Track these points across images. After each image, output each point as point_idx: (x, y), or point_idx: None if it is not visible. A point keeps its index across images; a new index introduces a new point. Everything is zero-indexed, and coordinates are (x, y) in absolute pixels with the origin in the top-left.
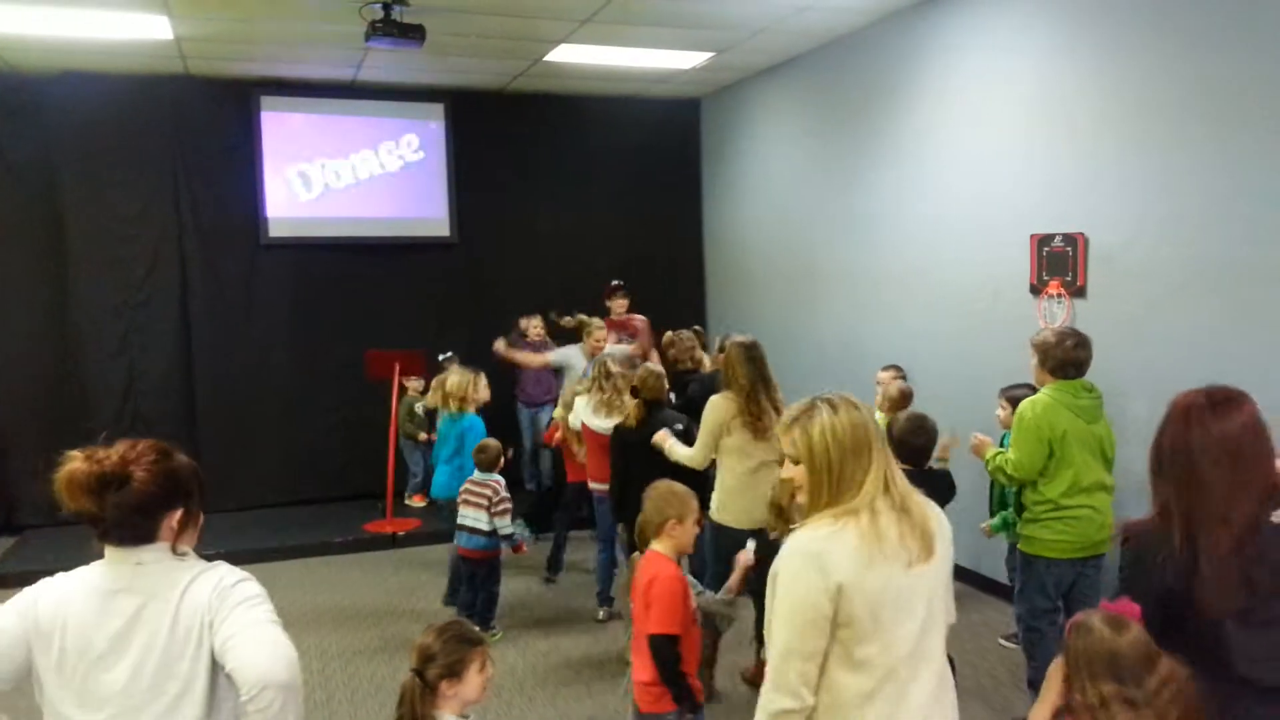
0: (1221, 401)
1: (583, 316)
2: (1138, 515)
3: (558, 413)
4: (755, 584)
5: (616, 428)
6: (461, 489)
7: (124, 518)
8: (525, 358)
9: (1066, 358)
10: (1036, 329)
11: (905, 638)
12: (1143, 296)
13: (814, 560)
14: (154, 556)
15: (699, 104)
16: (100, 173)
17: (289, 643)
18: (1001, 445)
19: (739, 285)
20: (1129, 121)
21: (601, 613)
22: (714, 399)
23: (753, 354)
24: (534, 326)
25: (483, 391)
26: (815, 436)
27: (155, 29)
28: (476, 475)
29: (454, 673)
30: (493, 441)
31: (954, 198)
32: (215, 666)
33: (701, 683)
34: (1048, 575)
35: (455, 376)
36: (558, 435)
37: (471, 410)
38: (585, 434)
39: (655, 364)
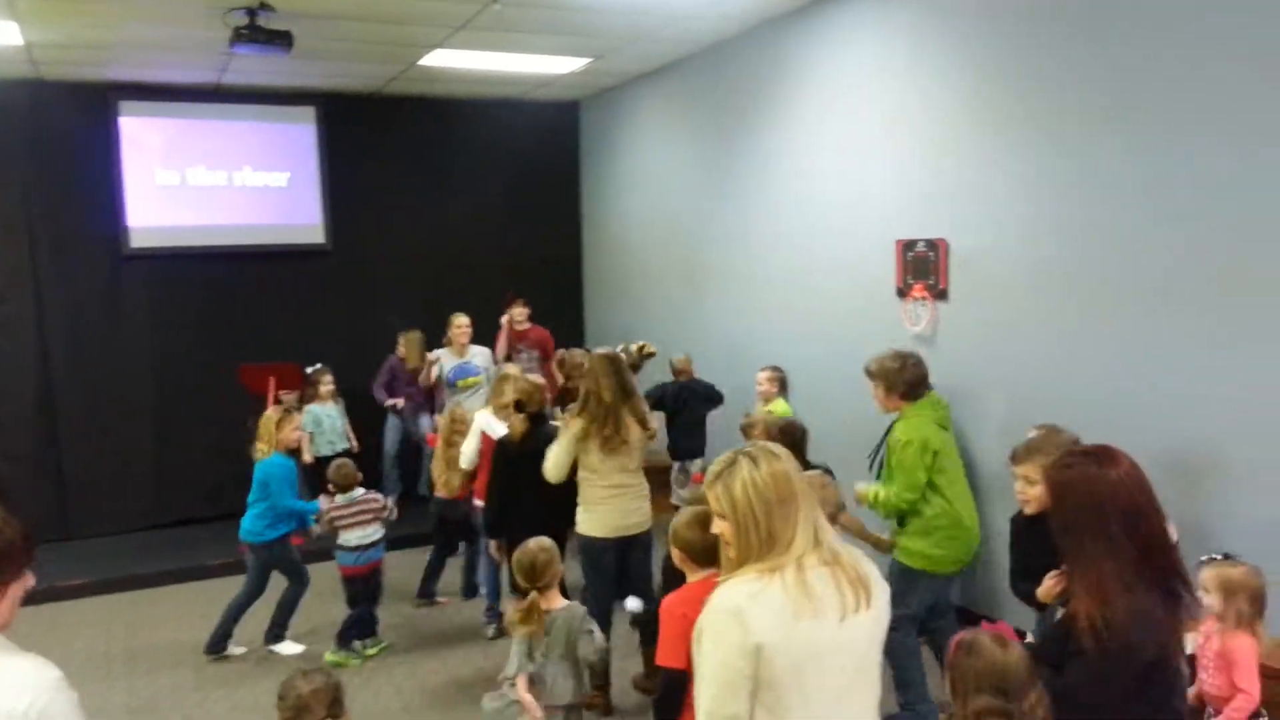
0: (1097, 455)
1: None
2: (993, 510)
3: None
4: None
5: (499, 441)
6: (330, 516)
7: None
8: (427, 379)
9: (914, 377)
10: (903, 331)
11: (832, 698)
12: (1001, 298)
13: (735, 618)
14: None
15: (578, 107)
16: None
17: None
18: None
19: (618, 288)
20: (984, 131)
21: (490, 630)
22: (571, 419)
23: (616, 367)
24: (411, 343)
25: (287, 432)
26: (737, 492)
27: (3, 34)
28: (341, 499)
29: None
30: (346, 461)
31: (825, 203)
32: None
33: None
34: (928, 588)
35: (265, 416)
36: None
37: (280, 450)
38: (487, 445)
39: (537, 376)
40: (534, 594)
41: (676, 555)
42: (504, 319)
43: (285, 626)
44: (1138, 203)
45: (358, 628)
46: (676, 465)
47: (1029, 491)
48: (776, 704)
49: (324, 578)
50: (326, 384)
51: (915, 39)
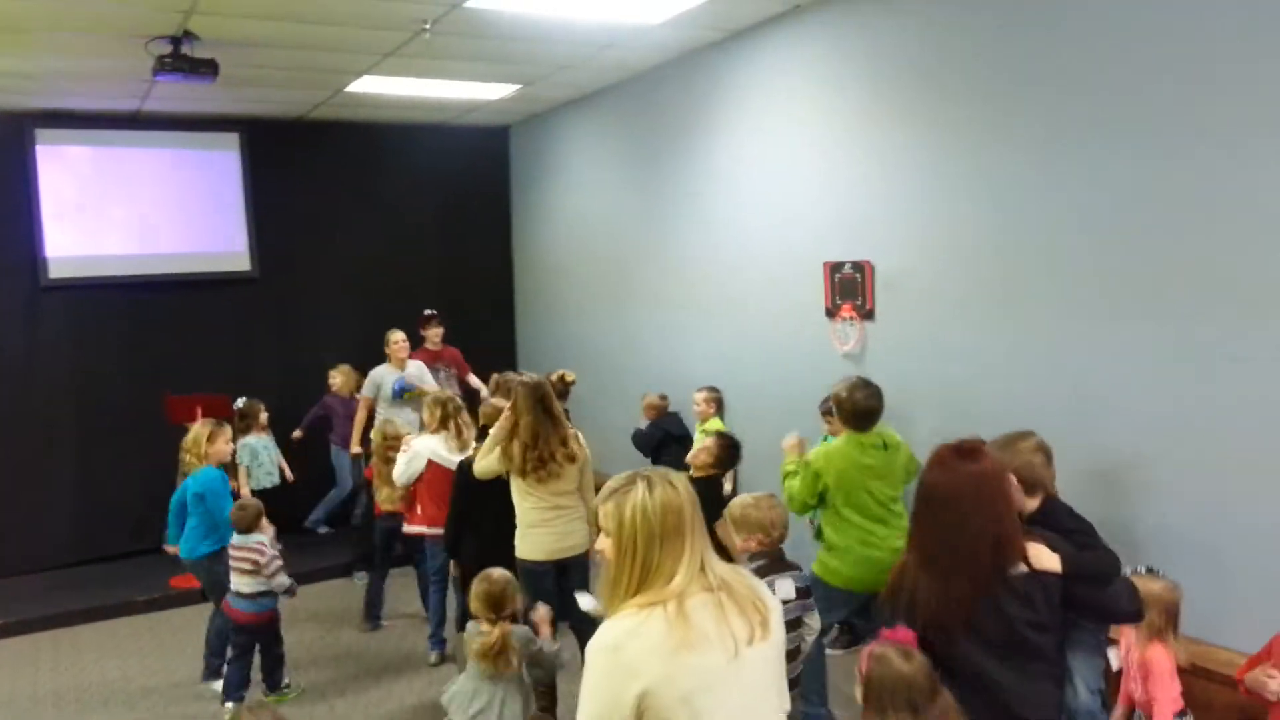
0: (964, 450)
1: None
2: None
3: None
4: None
5: (461, 465)
6: (225, 557)
7: None
8: (359, 420)
9: (856, 409)
10: (832, 350)
11: None
12: (926, 317)
13: (618, 660)
14: None
15: (508, 132)
16: None
17: None
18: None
19: (550, 310)
20: (904, 154)
21: (433, 656)
22: (498, 449)
23: (538, 394)
24: (339, 375)
25: (220, 445)
26: (626, 516)
27: None
28: (236, 539)
29: None
30: (252, 500)
31: (754, 226)
32: None
33: None
34: (844, 601)
35: (193, 429)
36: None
37: (211, 464)
38: (433, 473)
39: (500, 400)
40: (502, 625)
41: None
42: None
43: (222, 657)
44: (1057, 221)
45: (237, 688)
46: None
47: None
48: None
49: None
50: (263, 414)
51: (836, 66)
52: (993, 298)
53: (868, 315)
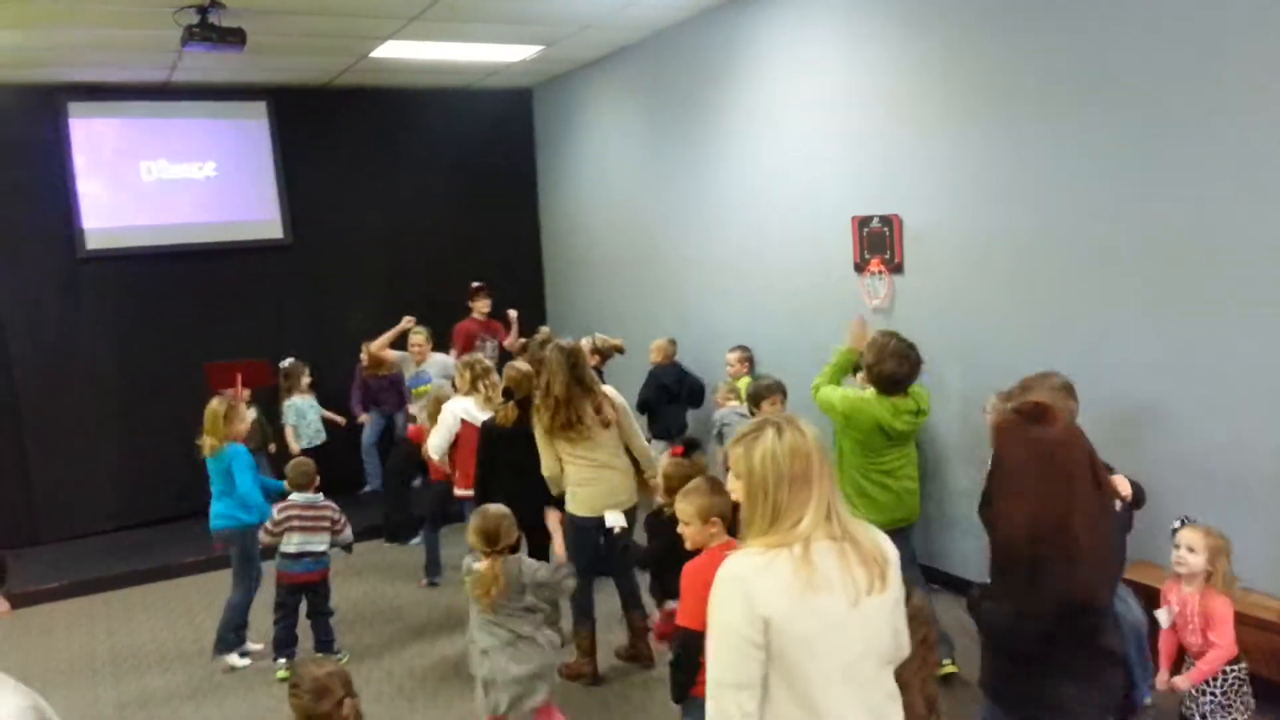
0: (1037, 413)
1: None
2: (953, 472)
3: (420, 415)
4: (628, 555)
5: (485, 424)
6: (284, 515)
7: None
8: (385, 336)
9: (884, 373)
10: (861, 305)
11: (848, 677)
12: (952, 271)
13: (742, 589)
14: None
15: (531, 94)
16: None
17: None
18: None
19: (578, 273)
20: (935, 109)
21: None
22: (534, 415)
23: (571, 360)
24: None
25: (236, 425)
26: (756, 461)
27: None
28: (298, 497)
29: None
30: (307, 460)
31: (781, 182)
32: None
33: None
34: None
35: (211, 405)
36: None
37: (236, 441)
38: (468, 433)
39: (523, 364)
40: (495, 559)
41: (673, 509)
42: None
43: (237, 630)
44: (1084, 178)
45: (287, 646)
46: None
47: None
48: (792, 677)
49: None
50: (306, 376)
51: (867, 20)
52: (1019, 253)
53: (896, 269)
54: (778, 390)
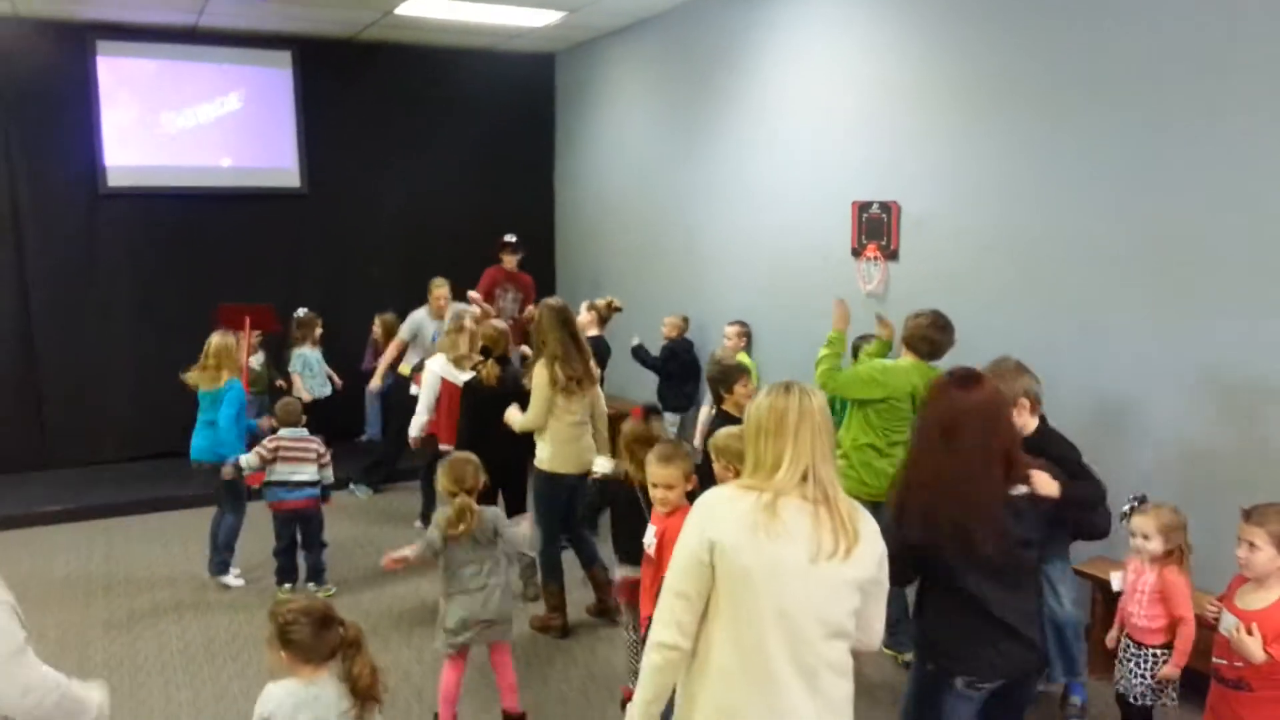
0: (966, 378)
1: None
2: None
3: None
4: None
5: (468, 384)
6: (274, 444)
7: None
8: (384, 363)
9: (915, 331)
10: (856, 289)
11: (790, 626)
12: (948, 260)
13: (704, 513)
14: None
15: (554, 60)
16: None
17: (29, 671)
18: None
19: (588, 242)
20: (937, 101)
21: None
22: (538, 369)
23: (563, 317)
24: (376, 329)
25: (241, 359)
26: (750, 410)
27: None
28: (287, 432)
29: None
30: (294, 399)
31: (787, 163)
32: None
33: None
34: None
35: (217, 338)
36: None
37: (234, 376)
38: (445, 390)
39: (500, 322)
40: (464, 497)
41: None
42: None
43: (231, 551)
44: (1083, 175)
45: (288, 575)
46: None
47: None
48: (734, 611)
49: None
50: (318, 328)
51: (876, 10)
52: (1012, 244)
53: (892, 255)
54: (743, 371)
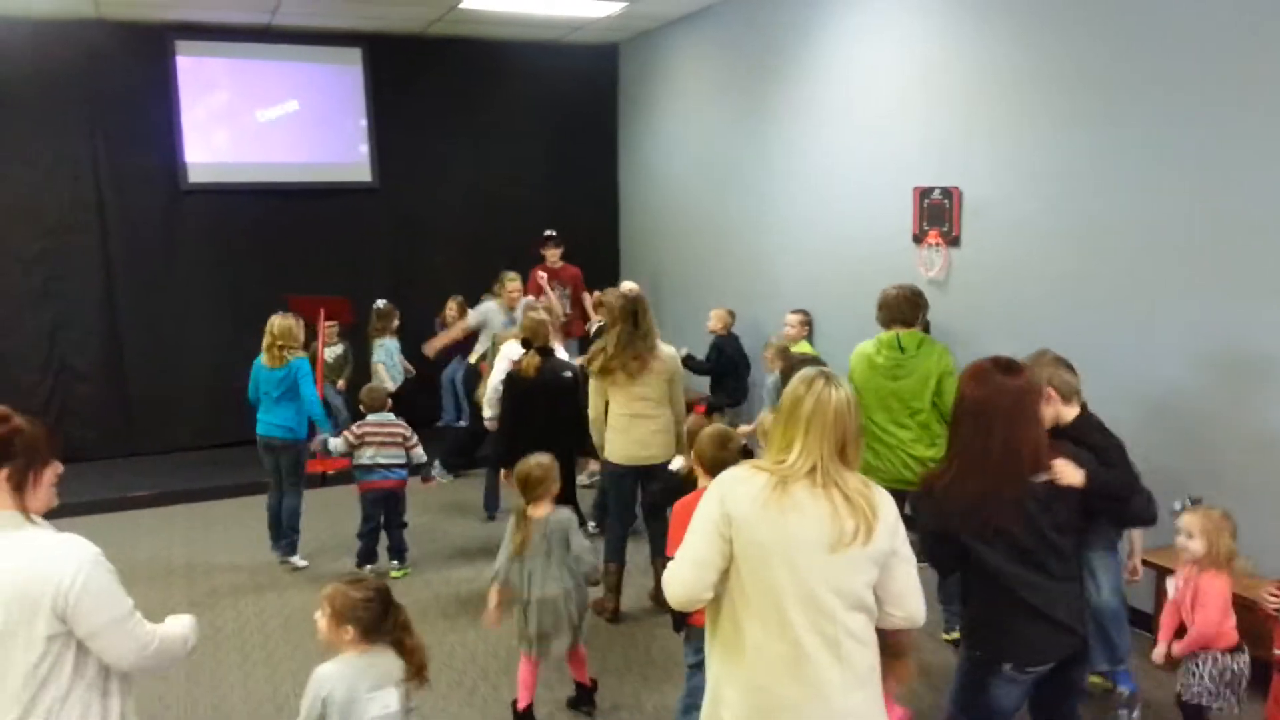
0: (1009, 365)
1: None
2: None
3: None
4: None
5: (510, 375)
6: (363, 430)
7: None
8: (445, 337)
9: (883, 302)
10: (918, 276)
11: (808, 604)
12: (1009, 246)
13: (721, 490)
14: (4, 521)
15: (617, 50)
16: (12, 120)
17: (141, 631)
18: None
19: (651, 231)
20: (1000, 87)
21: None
22: (590, 360)
23: (633, 307)
24: (450, 309)
25: (302, 333)
26: (782, 394)
27: None
28: (373, 417)
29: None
30: (380, 385)
31: (848, 150)
32: (52, 636)
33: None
34: None
35: (278, 319)
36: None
37: (300, 353)
38: None
39: (540, 313)
40: (522, 504)
41: (692, 461)
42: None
43: (298, 532)
44: (1144, 164)
45: (369, 557)
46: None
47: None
48: (754, 584)
49: (340, 494)
50: (396, 319)
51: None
52: (1076, 231)
53: (954, 242)
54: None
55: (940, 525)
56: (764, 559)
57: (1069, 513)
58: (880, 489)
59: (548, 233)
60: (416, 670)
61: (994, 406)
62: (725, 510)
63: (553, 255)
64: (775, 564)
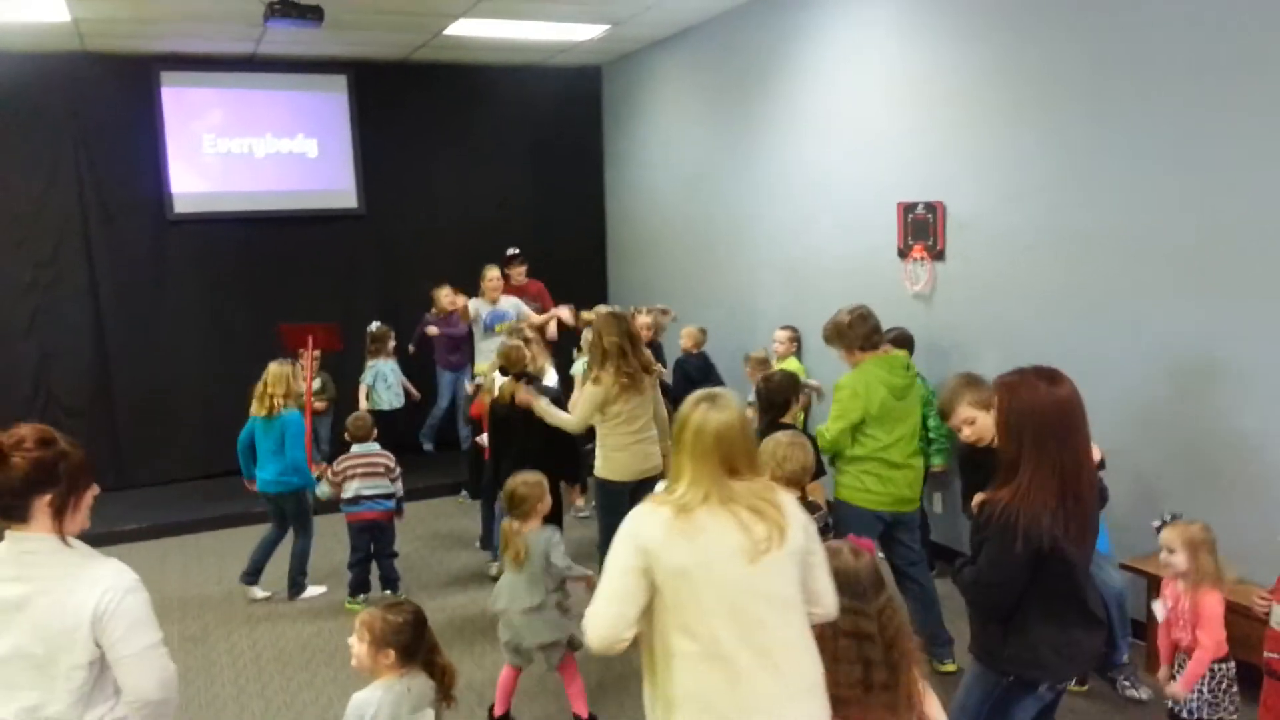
0: (1053, 375)
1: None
2: None
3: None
4: None
5: (492, 404)
6: (343, 465)
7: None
8: (436, 330)
9: (866, 328)
10: (903, 290)
11: (726, 611)
12: (994, 259)
13: (632, 525)
14: (44, 546)
15: (600, 72)
16: None
17: (167, 664)
18: None
19: (638, 251)
20: (980, 101)
21: (494, 569)
22: (595, 375)
23: (621, 325)
24: (444, 294)
25: (300, 384)
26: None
27: (52, 11)
28: (357, 448)
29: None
30: (365, 414)
31: (832, 166)
32: (93, 661)
33: None
34: (866, 521)
35: (274, 367)
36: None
37: (292, 405)
38: None
39: (517, 340)
40: (509, 521)
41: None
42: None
43: (305, 574)
44: (1127, 173)
45: (363, 589)
46: None
47: (965, 429)
48: (678, 607)
49: (330, 523)
50: (392, 340)
51: (921, 10)
52: (1060, 242)
53: (938, 256)
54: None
55: (1039, 543)
56: (687, 583)
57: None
58: (782, 490)
59: (511, 251)
60: (447, 690)
61: (1058, 417)
62: (638, 546)
63: (516, 273)
64: (699, 585)
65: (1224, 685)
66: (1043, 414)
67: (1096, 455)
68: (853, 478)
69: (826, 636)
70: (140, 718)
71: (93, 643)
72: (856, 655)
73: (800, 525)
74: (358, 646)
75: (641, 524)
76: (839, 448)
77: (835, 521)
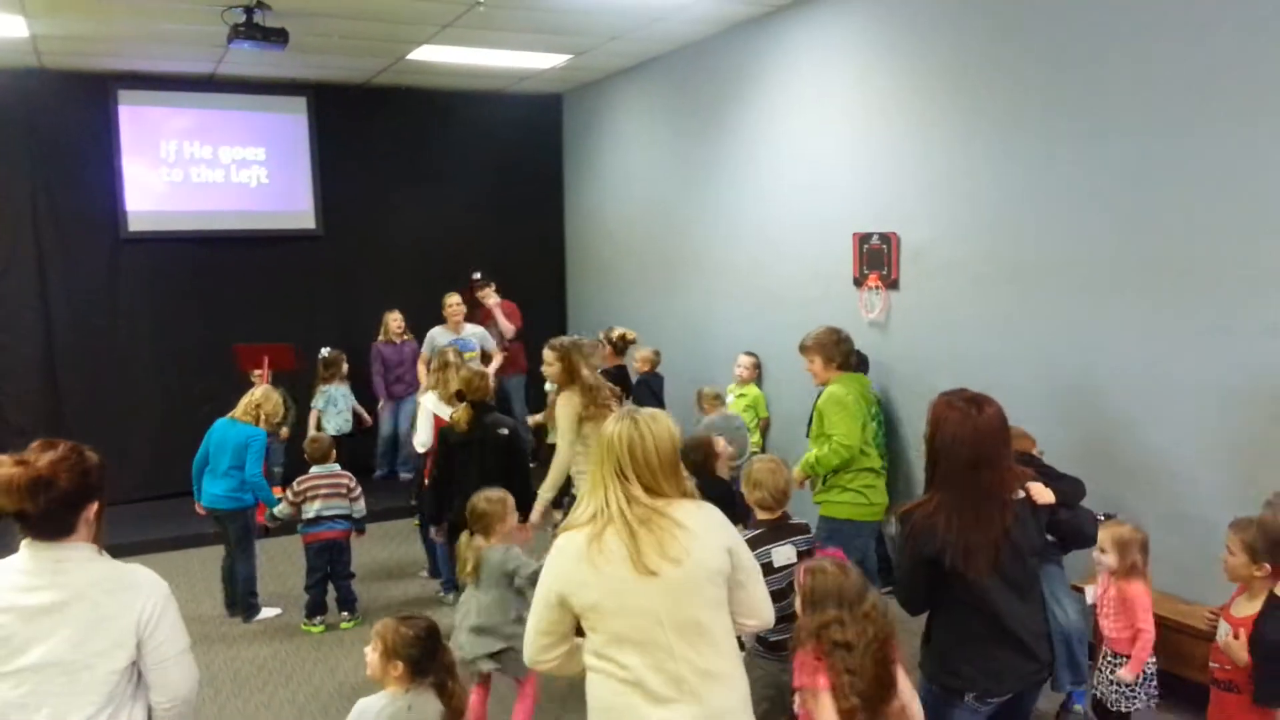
0: (978, 399)
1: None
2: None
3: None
4: None
5: (442, 430)
6: (304, 485)
7: (51, 514)
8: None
9: (849, 349)
10: (859, 318)
11: (635, 639)
12: (947, 288)
13: (550, 564)
14: (76, 554)
15: (561, 100)
16: None
17: (195, 666)
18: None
19: (597, 277)
20: (934, 131)
21: (450, 597)
22: (564, 397)
23: (580, 350)
24: (394, 320)
25: (272, 409)
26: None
27: (10, 28)
28: (318, 469)
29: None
30: (324, 435)
31: (789, 196)
32: (129, 666)
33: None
34: (865, 535)
35: (261, 390)
36: None
37: (263, 427)
38: (437, 425)
39: (478, 365)
40: (466, 535)
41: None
42: (489, 302)
43: (255, 595)
44: (1077, 202)
45: (319, 610)
46: None
47: None
48: (598, 633)
49: (285, 545)
50: (344, 365)
51: (872, 45)
52: (1010, 272)
53: (893, 285)
54: (706, 440)
55: (927, 553)
56: (597, 614)
57: (1038, 533)
58: (707, 508)
59: (477, 275)
60: (454, 715)
61: (976, 438)
62: (553, 585)
63: (487, 295)
64: (608, 616)
65: (1147, 673)
66: (959, 441)
67: (1049, 497)
68: (854, 494)
69: (822, 653)
70: (170, 717)
71: (134, 647)
72: (847, 664)
73: (716, 547)
74: (370, 655)
75: (556, 562)
76: (854, 448)
77: (841, 540)
